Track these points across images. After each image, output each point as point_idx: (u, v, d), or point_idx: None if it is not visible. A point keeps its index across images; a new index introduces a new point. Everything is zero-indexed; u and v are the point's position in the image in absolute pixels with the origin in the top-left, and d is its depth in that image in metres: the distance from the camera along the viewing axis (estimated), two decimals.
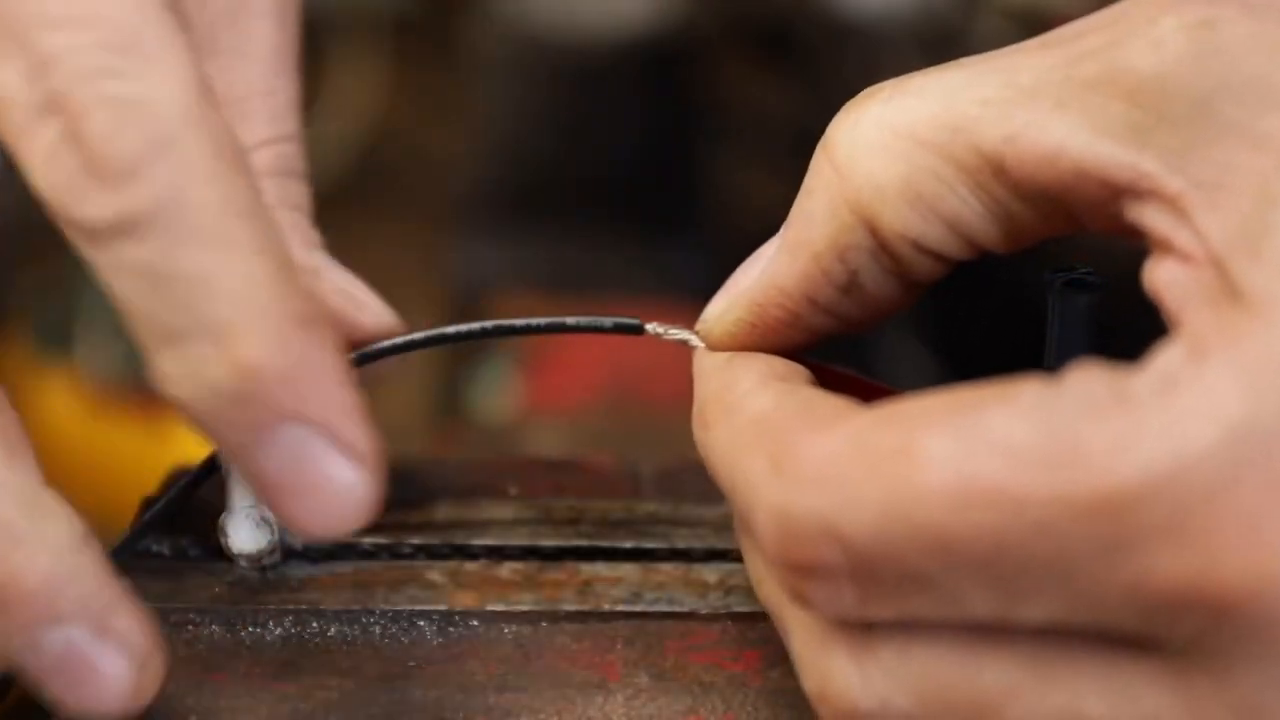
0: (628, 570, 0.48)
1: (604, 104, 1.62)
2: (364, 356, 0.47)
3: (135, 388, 1.24)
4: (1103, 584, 0.35)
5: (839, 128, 0.42)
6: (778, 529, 0.37)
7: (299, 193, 0.48)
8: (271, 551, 0.47)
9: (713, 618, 0.46)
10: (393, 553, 0.49)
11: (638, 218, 1.57)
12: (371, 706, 0.43)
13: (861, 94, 0.42)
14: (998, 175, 0.40)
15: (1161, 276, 0.37)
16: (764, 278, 0.44)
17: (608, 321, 0.47)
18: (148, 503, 0.50)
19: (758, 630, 0.46)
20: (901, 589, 0.37)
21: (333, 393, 0.39)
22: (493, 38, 1.66)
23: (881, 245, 0.42)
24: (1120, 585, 0.35)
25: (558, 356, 1.32)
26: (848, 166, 0.42)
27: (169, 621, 0.46)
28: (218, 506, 0.47)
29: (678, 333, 0.46)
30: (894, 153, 0.41)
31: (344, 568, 0.48)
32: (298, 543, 0.48)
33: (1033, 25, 1.77)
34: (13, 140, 0.39)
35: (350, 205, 1.73)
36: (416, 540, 0.49)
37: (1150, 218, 0.38)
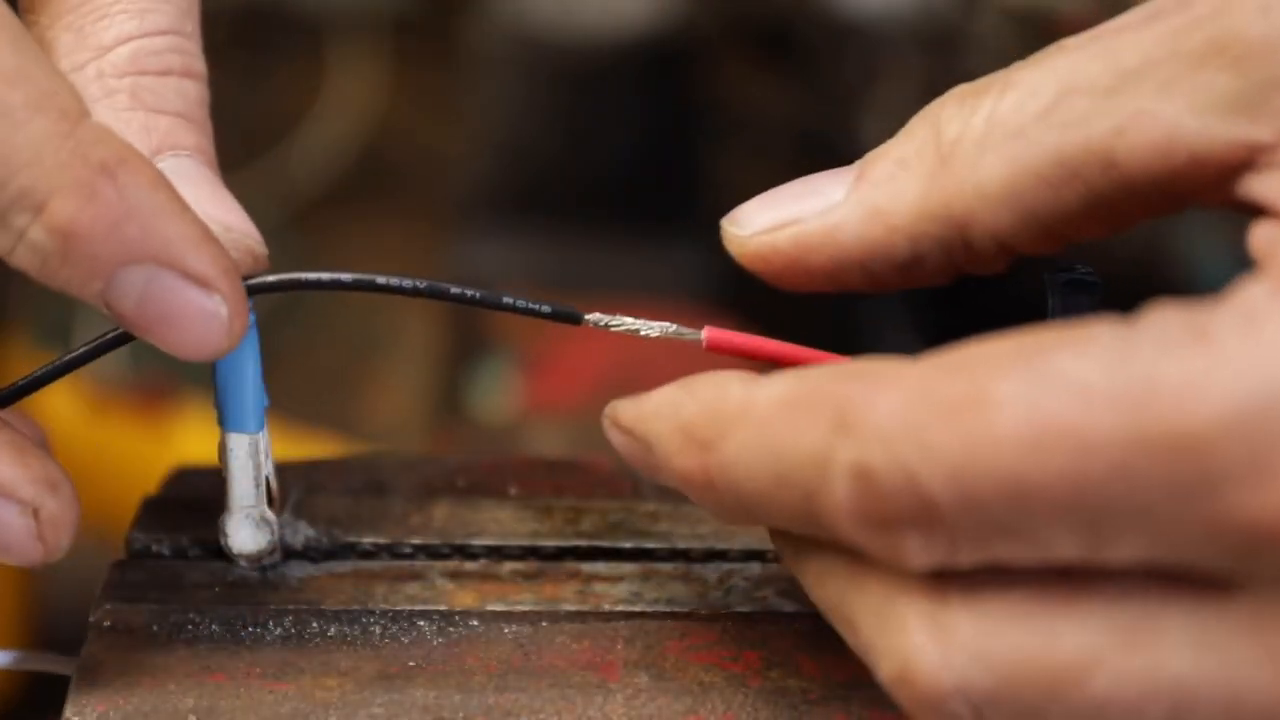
0: (628, 570, 0.48)
1: (604, 104, 1.62)
2: (288, 284, 0.44)
3: (135, 388, 1.24)
4: (1185, 523, 0.35)
5: (952, 115, 0.41)
6: (857, 487, 0.36)
7: (175, 92, 0.45)
8: (271, 551, 0.47)
9: (713, 618, 0.46)
10: (393, 553, 0.49)
11: (638, 218, 1.57)
12: (371, 706, 0.43)
13: (976, 84, 0.41)
14: (1107, 170, 0.39)
15: (1268, 235, 0.37)
16: (825, 224, 0.42)
17: (545, 307, 0.45)
18: (148, 503, 0.50)
19: (758, 630, 0.46)
20: (984, 537, 0.36)
21: (159, 228, 0.40)
22: (493, 38, 1.66)
23: (966, 241, 0.41)
24: (1202, 523, 0.34)
25: (558, 356, 1.32)
26: (953, 159, 0.41)
27: (169, 621, 0.46)
28: (218, 506, 0.47)
29: (620, 323, 0.46)
30: (1002, 154, 0.40)
31: (344, 568, 0.48)
32: (298, 543, 0.48)
33: (1032, 25, 1.77)
34: None
35: (350, 205, 1.73)
36: (416, 540, 0.49)
37: (1266, 188, 0.37)
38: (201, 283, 0.41)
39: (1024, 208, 0.40)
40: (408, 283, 0.44)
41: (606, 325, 0.46)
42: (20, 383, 0.44)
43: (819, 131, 2.06)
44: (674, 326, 0.45)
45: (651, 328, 0.45)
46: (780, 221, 0.43)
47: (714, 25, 2.05)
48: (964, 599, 0.37)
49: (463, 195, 1.72)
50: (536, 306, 0.45)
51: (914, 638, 0.37)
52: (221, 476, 0.47)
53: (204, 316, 0.41)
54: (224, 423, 0.46)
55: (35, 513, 0.43)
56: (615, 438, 0.44)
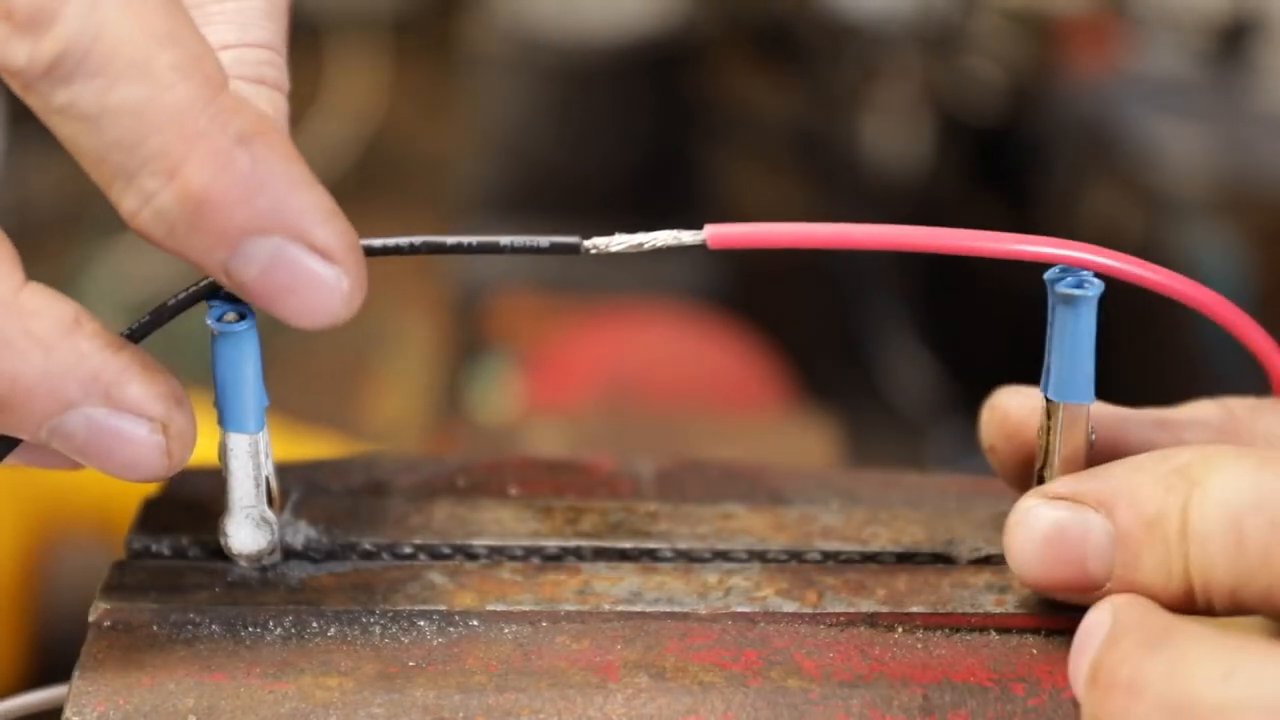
0: (628, 570, 0.48)
1: (604, 104, 1.62)
2: None
3: None
4: None
5: None
6: None
7: (266, 101, 0.46)
8: (271, 551, 0.47)
9: (713, 618, 0.46)
10: (393, 553, 0.49)
11: (638, 217, 1.57)
12: (371, 706, 0.43)
13: None
14: None
15: None
16: None
17: (544, 241, 0.45)
18: (148, 503, 0.50)
19: (757, 630, 0.46)
20: None
21: (290, 199, 0.40)
22: (493, 38, 1.66)
23: None
24: None
25: (558, 356, 1.32)
26: None
27: (169, 621, 0.46)
28: (218, 506, 0.47)
29: (621, 243, 0.45)
30: None
31: (344, 568, 0.48)
32: (298, 543, 0.48)
33: (1032, 25, 1.77)
34: None
35: (350, 204, 1.73)
36: (416, 540, 0.49)
37: None
38: (326, 255, 0.41)
39: None
40: (404, 242, 0.45)
41: (606, 248, 0.45)
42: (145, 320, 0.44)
43: (819, 131, 2.06)
44: (674, 234, 0.45)
45: (653, 239, 0.45)
46: None
47: (714, 26, 2.05)
48: None
49: (462, 195, 1.72)
50: (535, 243, 0.45)
51: None
52: (221, 476, 0.47)
53: (326, 288, 0.41)
54: (224, 423, 0.46)
55: (164, 428, 0.43)
56: (1046, 516, 0.44)
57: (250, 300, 0.42)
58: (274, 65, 0.46)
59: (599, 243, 0.45)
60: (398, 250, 0.45)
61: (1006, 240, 0.43)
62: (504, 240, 0.45)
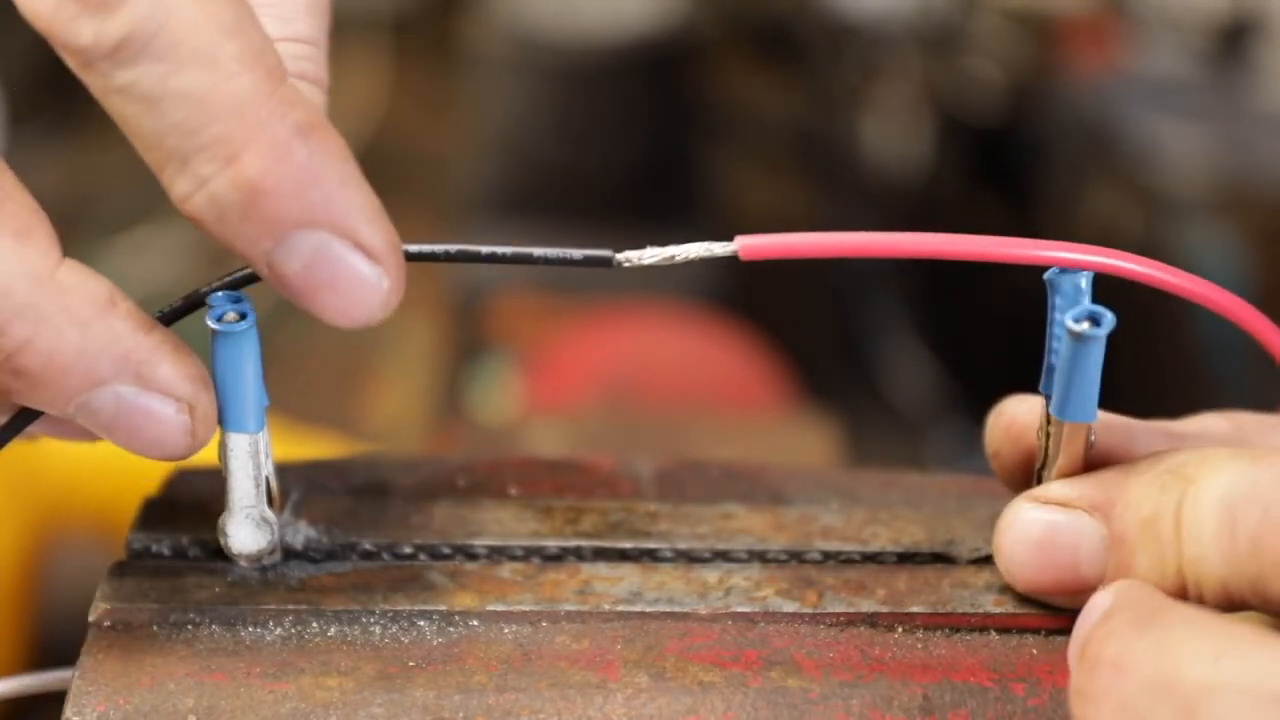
0: (628, 570, 0.48)
1: (604, 104, 1.62)
2: None
3: None
4: None
5: None
6: None
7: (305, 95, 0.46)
8: (271, 551, 0.47)
9: (713, 618, 0.46)
10: (393, 553, 0.49)
11: (637, 217, 1.57)
12: (371, 706, 0.43)
13: None
14: None
15: None
16: None
17: (576, 253, 0.45)
18: (148, 503, 0.50)
19: (757, 630, 0.46)
20: None
21: (341, 196, 0.41)
22: (493, 38, 1.66)
23: None
24: None
25: (558, 356, 1.32)
26: None
27: (169, 621, 0.46)
28: (218, 506, 0.47)
29: (654, 255, 0.45)
30: None
31: (344, 568, 0.48)
32: (298, 543, 0.48)
33: (1032, 25, 1.77)
34: None
35: None
36: (416, 540, 0.49)
37: None
38: (370, 254, 0.42)
39: None
40: (439, 249, 0.45)
41: (639, 261, 0.45)
42: (177, 305, 0.44)
43: (819, 131, 2.06)
44: (705, 245, 0.45)
45: (685, 250, 0.45)
46: None
47: (714, 26, 2.05)
48: None
49: (463, 195, 1.72)
50: (568, 255, 0.45)
51: None
52: (221, 476, 0.47)
53: (367, 287, 0.42)
54: (224, 423, 0.46)
55: (190, 409, 0.43)
56: (1039, 519, 0.45)
57: (289, 295, 0.42)
58: (314, 60, 0.46)
59: (631, 255, 0.45)
60: (433, 257, 0.45)
61: (1037, 246, 0.43)
62: (537, 251, 0.45)
